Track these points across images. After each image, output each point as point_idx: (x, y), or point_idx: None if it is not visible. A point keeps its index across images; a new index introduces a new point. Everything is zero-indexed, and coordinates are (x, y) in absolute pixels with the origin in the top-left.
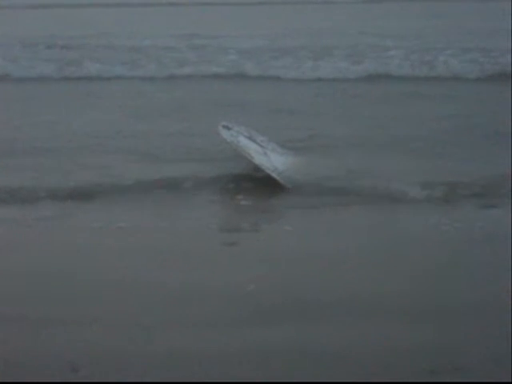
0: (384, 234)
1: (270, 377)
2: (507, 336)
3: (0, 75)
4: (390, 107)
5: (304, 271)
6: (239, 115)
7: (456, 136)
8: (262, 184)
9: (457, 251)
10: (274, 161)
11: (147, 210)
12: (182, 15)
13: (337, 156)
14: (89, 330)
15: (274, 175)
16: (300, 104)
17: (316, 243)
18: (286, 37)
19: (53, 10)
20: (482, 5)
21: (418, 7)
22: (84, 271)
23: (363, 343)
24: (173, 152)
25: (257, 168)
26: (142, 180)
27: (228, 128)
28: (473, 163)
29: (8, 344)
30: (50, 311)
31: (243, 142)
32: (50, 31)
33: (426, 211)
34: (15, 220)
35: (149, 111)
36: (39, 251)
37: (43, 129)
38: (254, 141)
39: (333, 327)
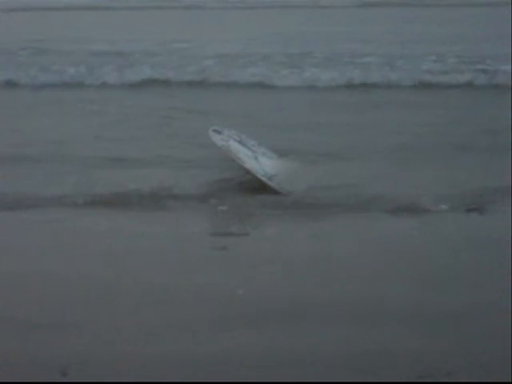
0: (372, 241)
1: (260, 378)
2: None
3: None
4: (369, 115)
5: (293, 276)
6: (214, 122)
7: (439, 144)
8: (251, 189)
9: (445, 258)
10: (264, 165)
11: (133, 216)
12: (164, 19)
13: (325, 163)
14: (78, 333)
15: (264, 180)
16: (277, 112)
17: (305, 248)
18: (266, 42)
19: (30, 12)
20: (479, 10)
21: (411, 13)
22: (73, 275)
23: (353, 347)
24: (154, 158)
25: (246, 172)
26: (127, 186)
27: (219, 132)
28: (459, 172)
29: None
30: (39, 314)
31: (234, 146)
32: (25, 34)
33: (415, 220)
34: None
35: (125, 117)
36: (26, 256)
37: (18, 136)
38: (245, 145)
39: (323, 331)
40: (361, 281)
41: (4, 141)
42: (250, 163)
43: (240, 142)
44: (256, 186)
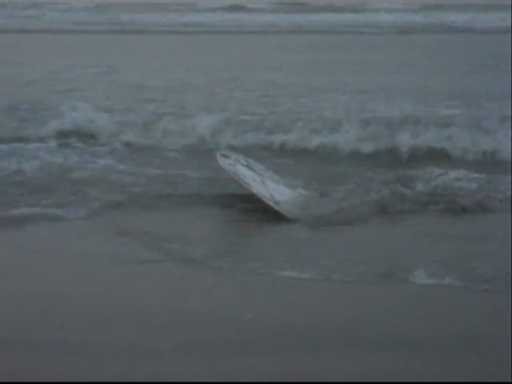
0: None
1: None
2: None
3: None
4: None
5: (301, 301)
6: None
7: None
8: (259, 213)
9: None
10: (271, 190)
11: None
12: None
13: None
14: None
15: (271, 204)
16: None
17: (312, 274)
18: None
19: None
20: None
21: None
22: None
23: (361, 372)
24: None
25: (254, 196)
26: None
27: (226, 156)
28: None
29: None
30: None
31: (241, 170)
32: None
33: None
34: None
35: None
36: None
37: None
38: (252, 169)
39: (331, 357)
40: (369, 308)
41: None
42: (257, 187)
43: (247, 167)
44: (264, 211)
